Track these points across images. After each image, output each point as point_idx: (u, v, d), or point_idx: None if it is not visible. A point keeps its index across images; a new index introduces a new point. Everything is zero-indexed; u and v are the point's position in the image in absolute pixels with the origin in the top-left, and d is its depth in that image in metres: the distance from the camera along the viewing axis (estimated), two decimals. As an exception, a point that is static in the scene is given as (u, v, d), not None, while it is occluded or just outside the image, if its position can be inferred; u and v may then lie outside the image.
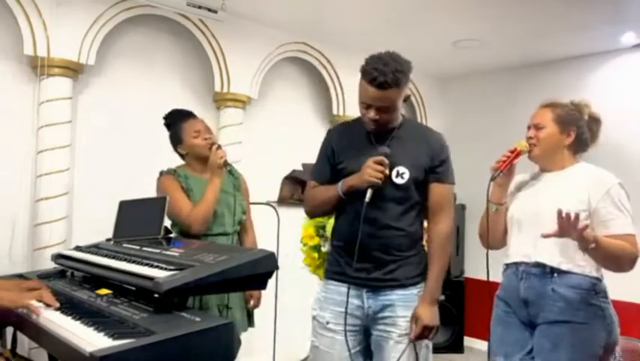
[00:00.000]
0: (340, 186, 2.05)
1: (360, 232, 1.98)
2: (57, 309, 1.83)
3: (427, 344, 2.08)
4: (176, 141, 2.67)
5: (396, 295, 2.03)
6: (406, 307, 2.02)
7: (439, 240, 2.07)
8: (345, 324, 2.02)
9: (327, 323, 2.07)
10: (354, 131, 2.13)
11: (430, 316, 2.00)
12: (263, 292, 2.54)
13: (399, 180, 2.01)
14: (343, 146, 2.13)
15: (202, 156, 2.60)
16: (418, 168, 2.04)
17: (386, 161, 1.97)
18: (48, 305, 1.83)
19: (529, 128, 2.19)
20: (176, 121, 2.68)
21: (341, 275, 2.08)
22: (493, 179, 2.16)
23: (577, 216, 1.80)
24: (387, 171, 1.97)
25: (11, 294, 1.90)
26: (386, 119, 2.00)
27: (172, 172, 2.62)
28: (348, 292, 2.03)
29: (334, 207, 2.13)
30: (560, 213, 1.82)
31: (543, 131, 2.14)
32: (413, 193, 2.05)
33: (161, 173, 2.65)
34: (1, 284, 2.03)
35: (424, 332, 2.00)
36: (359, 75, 2.00)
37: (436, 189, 2.07)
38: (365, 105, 2.00)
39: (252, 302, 2.71)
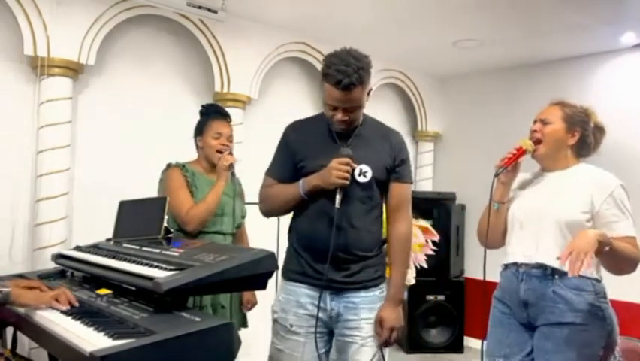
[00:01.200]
0: (302, 186, 2.00)
1: (324, 232, 1.95)
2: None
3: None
4: (198, 131, 2.70)
5: (359, 298, 2.01)
6: (369, 309, 2.01)
7: (400, 240, 2.06)
8: (317, 327, 1.99)
9: (291, 325, 2.02)
10: (315, 129, 2.09)
11: (395, 317, 1.99)
12: (262, 292, 2.55)
13: (361, 179, 1.99)
14: (303, 144, 2.07)
15: (210, 158, 2.64)
16: (379, 167, 2.03)
17: (351, 163, 1.95)
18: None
19: (535, 122, 2.17)
20: (209, 115, 2.71)
21: (302, 276, 2.04)
22: (496, 175, 2.14)
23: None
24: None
25: (33, 292, 1.90)
26: (353, 117, 2.00)
27: (180, 166, 2.62)
28: (320, 296, 1.98)
29: (293, 207, 2.08)
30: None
31: (549, 126, 2.12)
32: (375, 193, 2.04)
33: (169, 165, 2.65)
34: (20, 283, 2.04)
35: (392, 334, 1.98)
36: None
37: (397, 189, 2.06)
38: (331, 107, 1.97)
39: (248, 306, 2.76)
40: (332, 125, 2.03)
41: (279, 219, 3.53)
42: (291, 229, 2.14)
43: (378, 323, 1.99)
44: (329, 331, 2.05)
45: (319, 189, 1.97)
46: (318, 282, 1.99)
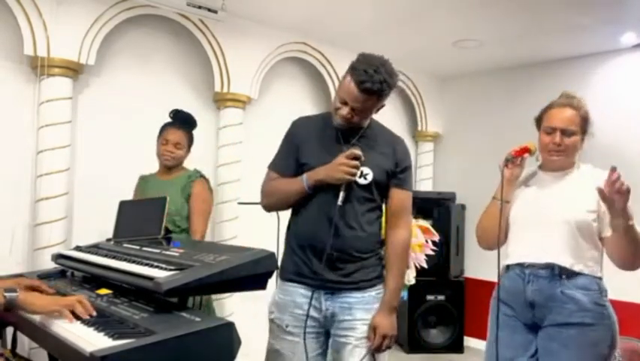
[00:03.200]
0: (306, 180, 1.99)
1: (322, 231, 1.95)
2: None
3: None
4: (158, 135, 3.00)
5: (354, 298, 2.00)
6: (364, 310, 2.00)
7: (397, 246, 2.04)
8: (305, 327, 1.98)
9: (287, 326, 2.01)
10: (320, 128, 2.08)
11: (388, 325, 1.98)
12: (262, 292, 2.57)
13: (362, 181, 1.99)
14: (307, 141, 2.07)
15: (160, 162, 2.97)
16: (381, 170, 2.02)
17: (361, 156, 1.95)
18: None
19: (552, 129, 2.06)
20: (166, 122, 3.00)
21: (297, 275, 2.03)
22: (506, 160, 2.11)
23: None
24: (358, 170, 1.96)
25: (44, 299, 1.83)
26: (357, 120, 2.00)
27: (140, 178, 2.99)
28: (313, 295, 1.98)
29: (295, 202, 2.05)
30: (613, 169, 1.81)
31: (572, 138, 2.05)
32: (375, 195, 2.04)
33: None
34: (22, 281, 1.99)
35: (384, 341, 1.97)
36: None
37: (397, 195, 2.06)
38: (342, 100, 1.97)
39: None
40: (334, 119, 2.03)
41: (278, 219, 3.52)
42: (289, 227, 2.13)
43: (372, 328, 1.98)
44: (325, 331, 2.05)
45: (322, 185, 1.97)
46: (313, 282, 1.99)
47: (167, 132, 2.92)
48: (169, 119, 3.00)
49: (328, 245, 1.93)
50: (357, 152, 1.95)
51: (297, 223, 2.08)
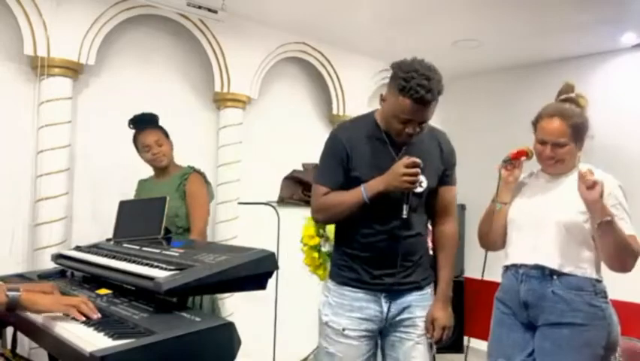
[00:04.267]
0: (365, 192, 1.94)
1: (385, 241, 1.98)
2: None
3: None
4: (135, 148, 2.96)
5: (413, 297, 2.04)
6: (422, 307, 2.05)
7: (450, 241, 2.11)
8: (366, 330, 2.01)
9: (344, 329, 2.01)
10: (367, 136, 2.02)
11: (447, 316, 2.03)
12: (262, 292, 2.57)
13: (418, 189, 1.97)
14: (357, 151, 2.00)
15: (153, 168, 2.95)
16: (434, 176, 2.03)
17: (421, 164, 1.90)
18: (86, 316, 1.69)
19: (543, 142, 2.07)
20: (136, 129, 2.94)
21: (358, 282, 2.03)
22: (504, 161, 2.15)
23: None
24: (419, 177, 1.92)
25: (47, 298, 1.80)
26: (422, 130, 1.95)
27: (139, 182, 2.99)
28: (374, 300, 2.01)
29: (356, 214, 2.00)
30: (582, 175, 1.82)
31: (565, 149, 2.05)
32: (424, 199, 2.06)
33: None
34: (34, 287, 1.93)
35: (443, 333, 2.02)
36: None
37: (446, 193, 2.10)
38: (403, 120, 1.90)
39: None
40: (394, 136, 1.98)
41: (278, 219, 3.54)
42: (344, 236, 2.08)
43: (430, 321, 2.03)
44: (379, 332, 2.07)
45: (382, 195, 1.93)
46: (374, 286, 2.01)
47: (142, 138, 2.88)
48: (132, 130, 2.94)
49: (398, 257, 1.97)
50: (418, 160, 1.90)
51: (354, 233, 2.04)
